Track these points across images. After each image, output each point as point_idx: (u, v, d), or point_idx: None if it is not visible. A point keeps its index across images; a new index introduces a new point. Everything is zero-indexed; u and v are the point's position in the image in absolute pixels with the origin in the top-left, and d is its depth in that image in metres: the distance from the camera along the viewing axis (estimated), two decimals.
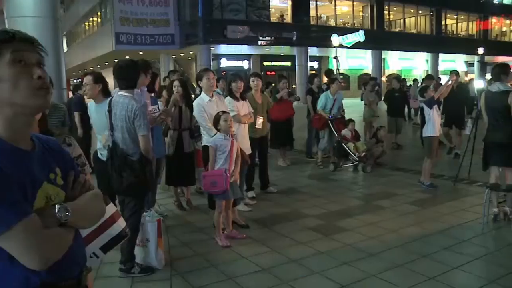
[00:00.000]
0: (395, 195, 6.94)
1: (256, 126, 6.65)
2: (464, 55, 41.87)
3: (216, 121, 4.96)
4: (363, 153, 8.83)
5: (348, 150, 8.85)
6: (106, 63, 33.55)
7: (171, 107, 5.93)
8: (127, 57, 24.84)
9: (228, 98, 5.96)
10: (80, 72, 42.67)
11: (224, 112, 5.01)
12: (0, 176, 1.28)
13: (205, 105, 5.39)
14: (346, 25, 34.11)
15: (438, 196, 6.87)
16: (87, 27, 36.24)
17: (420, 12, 37.86)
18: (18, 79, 1.36)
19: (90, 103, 5.02)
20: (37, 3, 8.35)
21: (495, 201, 5.58)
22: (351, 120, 9.42)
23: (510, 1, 43.25)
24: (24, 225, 1.27)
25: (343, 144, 8.88)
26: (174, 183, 6.41)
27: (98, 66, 36.38)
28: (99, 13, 31.81)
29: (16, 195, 1.30)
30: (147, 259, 4.30)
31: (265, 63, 33.75)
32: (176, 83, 6.23)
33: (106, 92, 4.93)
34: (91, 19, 34.63)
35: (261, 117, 6.83)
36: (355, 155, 8.79)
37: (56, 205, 1.41)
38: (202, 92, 5.51)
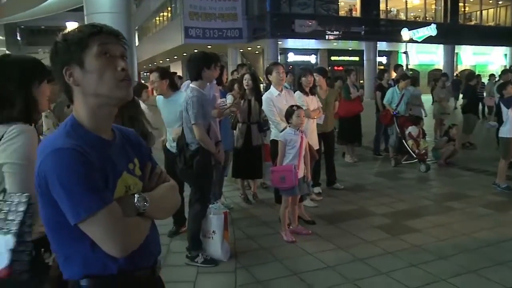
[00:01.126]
0: (467, 196, 6.64)
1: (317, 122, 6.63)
2: None
3: (288, 115, 4.93)
4: (423, 151, 8.53)
5: (407, 147, 8.59)
6: (175, 57, 34.45)
7: (239, 101, 6.00)
8: (195, 50, 25.31)
9: (298, 92, 5.93)
10: (149, 65, 44.06)
11: (298, 107, 4.98)
12: (86, 164, 1.33)
13: (274, 99, 5.39)
14: (417, 18, 32.99)
15: None
16: (157, 22, 37.26)
17: (500, 3, 35.60)
18: (104, 71, 1.43)
19: (158, 97, 5.16)
20: (113, 0, 8.71)
21: None
22: (420, 118, 9.11)
23: None
24: (107, 212, 1.33)
25: (404, 140, 8.65)
26: (241, 176, 6.47)
27: (167, 59, 37.43)
28: (169, 8, 32.62)
29: (100, 183, 1.36)
30: (212, 251, 4.37)
31: (333, 58, 33.29)
32: (246, 76, 6.28)
33: (173, 86, 5.06)
34: (161, 14, 35.57)
35: (324, 113, 6.77)
36: (414, 152, 8.52)
37: (135, 195, 1.46)
38: (271, 86, 5.51)
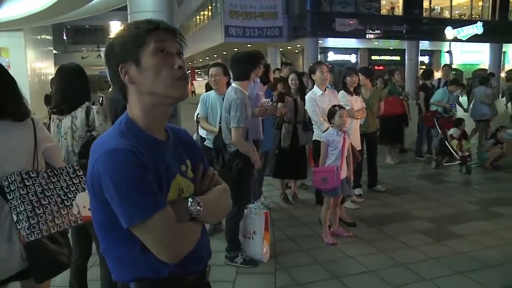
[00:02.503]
0: None
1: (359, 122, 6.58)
2: None
3: (330, 115, 4.86)
4: (467, 153, 8.28)
5: (451, 148, 8.36)
6: (215, 55, 34.68)
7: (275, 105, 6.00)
8: (235, 49, 25.45)
9: (342, 92, 5.86)
10: (189, 63, 44.53)
11: (340, 107, 4.90)
12: (140, 165, 1.30)
13: (317, 99, 5.33)
14: (462, 16, 32.02)
15: None
16: (198, 20, 37.59)
17: None
18: (160, 69, 1.38)
19: (209, 93, 5.19)
20: None
21: None
22: (462, 120, 8.87)
23: None
24: (160, 217, 1.29)
25: (446, 142, 8.42)
26: (284, 176, 6.42)
27: (207, 58, 37.72)
28: (209, 7, 32.84)
29: (154, 186, 1.32)
30: (252, 251, 4.36)
31: (373, 57, 32.77)
32: (292, 76, 6.25)
33: (229, 85, 5.09)
34: (202, 12, 35.86)
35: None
36: (457, 154, 8.28)
37: (189, 199, 1.42)
38: (315, 85, 5.46)
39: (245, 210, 4.40)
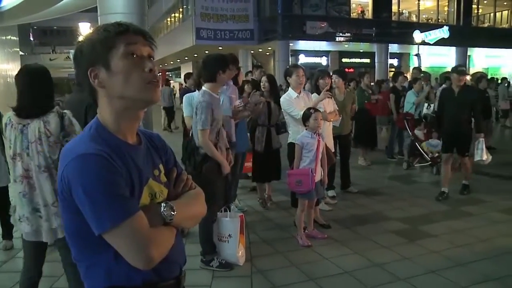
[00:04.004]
0: (483, 201, 6.55)
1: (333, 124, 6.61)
2: None
3: (305, 118, 4.87)
4: (437, 154, 8.46)
5: (421, 150, 8.52)
6: (186, 58, 34.47)
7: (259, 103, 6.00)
8: (206, 52, 25.37)
9: (315, 94, 5.88)
10: (160, 66, 44.15)
11: (315, 110, 4.93)
12: (111, 171, 1.27)
13: (293, 101, 5.34)
14: (429, 21, 32.71)
15: None
16: (168, 22, 37.30)
17: None
18: (131, 72, 1.36)
19: (193, 94, 5.16)
20: (126, 0, 8.66)
21: None
22: (421, 120, 9.04)
23: None
24: (133, 222, 1.26)
25: (416, 143, 8.58)
26: (262, 179, 6.41)
27: (178, 60, 37.50)
28: (180, 9, 32.65)
29: (125, 191, 1.29)
30: (228, 255, 4.33)
31: (344, 60, 33.12)
32: (264, 79, 6.25)
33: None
34: (172, 15, 35.62)
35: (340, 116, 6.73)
36: (427, 155, 8.45)
37: (162, 204, 1.40)
38: (290, 88, 5.46)
39: (220, 213, 4.37)
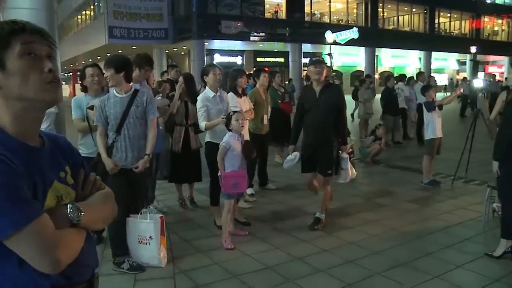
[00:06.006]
0: (394, 193, 6.95)
1: (264, 123, 6.73)
2: (457, 54, 42.18)
3: (227, 121, 4.88)
4: (350, 150, 8.84)
5: None
6: (98, 57, 33.29)
7: (176, 103, 5.95)
8: (119, 51, 24.72)
9: (231, 94, 5.88)
10: (71, 66, 42.39)
11: (236, 111, 4.96)
12: (10, 173, 1.21)
13: (209, 100, 5.33)
14: (340, 22, 34.12)
15: (437, 195, 6.89)
16: (79, 20, 35.95)
17: (414, 10, 38.04)
18: (28, 72, 1.31)
19: (109, 95, 5.00)
20: None
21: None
22: None
23: (502, 0, 43.54)
24: (36, 226, 1.20)
25: None
26: (180, 180, 6.32)
27: (90, 60, 36.09)
28: (92, 7, 31.58)
29: (27, 194, 1.24)
30: (150, 257, 4.24)
31: (259, 59, 33.65)
32: (181, 79, 6.19)
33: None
34: (83, 12, 34.34)
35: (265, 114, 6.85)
36: None
37: (68, 205, 1.36)
38: (207, 87, 5.44)
39: (139, 215, 4.27)
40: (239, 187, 4.74)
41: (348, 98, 12.51)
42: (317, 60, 5.30)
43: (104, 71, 4.36)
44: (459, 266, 4.26)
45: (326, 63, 5.55)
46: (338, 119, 5.18)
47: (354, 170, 5.55)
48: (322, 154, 5.20)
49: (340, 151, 5.31)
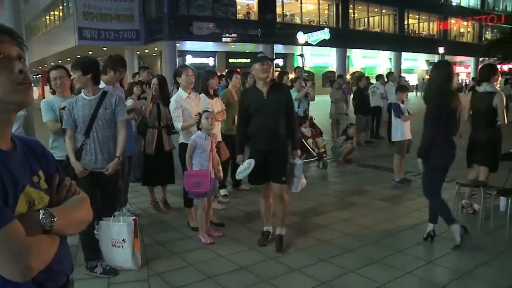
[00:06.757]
0: (366, 191, 7.03)
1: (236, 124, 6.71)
2: (425, 54, 43.01)
3: (197, 120, 4.89)
4: (323, 149, 8.96)
5: (308, 146, 8.96)
6: (68, 59, 32.74)
7: (148, 105, 5.91)
8: (90, 52, 24.37)
9: (203, 95, 5.86)
10: (40, 67, 41.55)
11: (205, 110, 4.97)
12: None
13: (183, 101, 5.30)
14: (311, 23, 34.39)
15: (407, 193, 7.00)
16: (48, 20, 35.28)
17: (383, 11, 38.69)
18: None
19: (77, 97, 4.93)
20: None
21: (467, 195, 5.80)
22: (306, 117, 9.50)
23: (467, 3, 44.69)
24: (5, 232, 1.17)
25: (303, 140, 9.00)
26: (153, 183, 6.26)
27: (60, 61, 35.50)
28: (61, 7, 31.03)
29: None
30: (123, 260, 4.19)
31: (231, 60, 33.64)
32: (154, 80, 6.15)
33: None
34: (52, 12, 33.71)
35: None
36: (314, 151, 8.90)
37: (40, 211, 1.32)
38: (180, 88, 5.41)
39: (112, 218, 4.23)
40: (201, 187, 4.72)
41: (321, 98, 12.66)
42: (263, 57, 4.76)
43: (71, 73, 4.30)
44: (430, 262, 4.36)
45: (273, 60, 5.36)
46: (289, 121, 4.70)
47: (304, 179, 4.94)
48: (276, 160, 4.65)
49: (292, 158, 4.79)
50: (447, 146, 4.61)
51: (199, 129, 4.88)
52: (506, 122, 5.45)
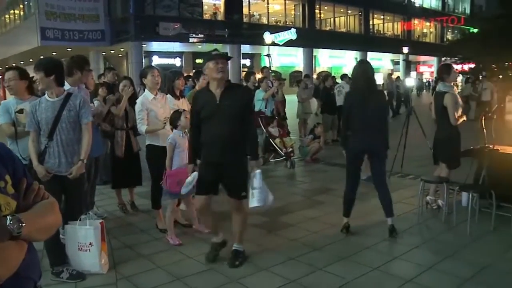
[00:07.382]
0: (333, 190, 7.10)
1: None
2: (391, 54, 43.78)
3: (176, 118, 4.86)
4: (290, 149, 9.03)
5: (275, 145, 9.01)
6: (31, 60, 31.97)
7: (108, 107, 5.85)
8: (54, 53, 23.85)
9: (169, 96, 5.81)
10: (0, 68, 40.39)
11: (184, 110, 4.96)
12: None
13: (149, 103, 5.24)
14: (278, 23, 34.55)
15: (373, 190, 7.06)
16: (7, 19, 34.32)
17: (349, 11, 39.23)
18: None
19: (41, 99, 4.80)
20: None
21: (432, 191, 5.94)
22: (273, 117, 9.56)
23: (429, 5, 45.79)
24: None
25: (270, 140, 9.05)
26: (123, 185, 6.18)
27: (22, 62, 34.61)
28: (21, 6, 30.25)
29: None
30: (91, 264, 4.13)
31: (198, 61, 33.39)
32: (127, 82, 6.08)
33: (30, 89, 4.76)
34: (12, 11, 32.82)
35: None
36: (281, 150, 8.97)
37: (8, 216, 1.30)
38: (146, 89, 5.36)
39: (78, 221, 4.16)
40: (184, 184, 4.70)
41: (288, 98, 12.73)
42: (218, 55, 4.15)
43: (34, 74, 4.21)
44: (397, 257, 4.45)
45: (230, 58, 4.54)
46: (247, 127, 4.16)
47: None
48: (234, 174, 4.18)
49: (251, 168, 4.23)
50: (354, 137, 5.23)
51: (175, 127, 4.87)
52: (457, 122, 5.59)
